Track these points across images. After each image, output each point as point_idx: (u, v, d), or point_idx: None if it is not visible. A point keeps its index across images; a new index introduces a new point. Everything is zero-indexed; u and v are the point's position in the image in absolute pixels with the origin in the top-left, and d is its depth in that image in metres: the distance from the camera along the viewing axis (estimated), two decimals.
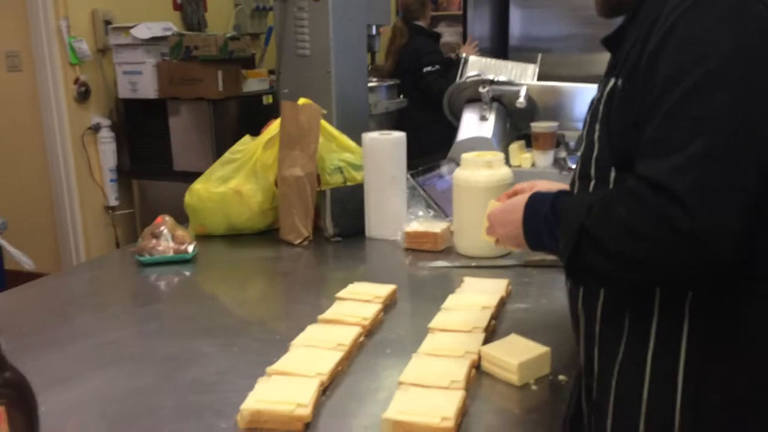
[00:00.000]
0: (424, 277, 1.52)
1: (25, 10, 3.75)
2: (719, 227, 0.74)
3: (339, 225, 1.77)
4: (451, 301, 1.25)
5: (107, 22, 3.95)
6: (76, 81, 3.85)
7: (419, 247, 1.64)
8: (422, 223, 1.70)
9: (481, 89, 2.26)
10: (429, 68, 3.87)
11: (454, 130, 2.32)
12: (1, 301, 1.48)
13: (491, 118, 2.25)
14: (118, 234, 4.20)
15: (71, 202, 3.93)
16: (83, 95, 3.88)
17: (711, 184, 0.74)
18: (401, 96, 3.51)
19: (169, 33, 3.85)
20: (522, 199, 0.98)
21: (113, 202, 4.10)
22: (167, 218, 1.67)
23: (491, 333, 1.15)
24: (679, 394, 0.83)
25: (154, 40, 3.83)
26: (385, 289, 1.31)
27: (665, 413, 0.84)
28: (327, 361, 1.02)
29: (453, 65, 3.45)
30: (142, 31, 3.78)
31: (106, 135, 4.00)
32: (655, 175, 0.76)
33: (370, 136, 1.76)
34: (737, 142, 0.74)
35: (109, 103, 4.09)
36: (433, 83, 3.80)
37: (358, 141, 1.83)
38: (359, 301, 1.25)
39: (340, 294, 1.30)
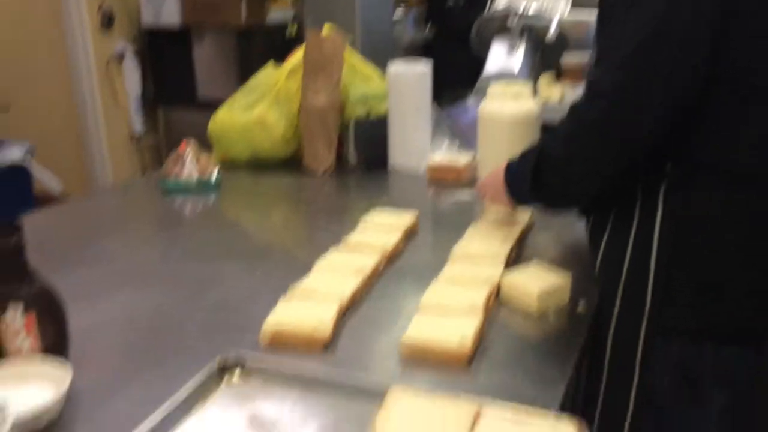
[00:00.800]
0: (446, 208, 1.52)
1: None
2: (629, 119, 0.93)
3: (362, 155, 1.77)
4: (472, 230, 1.25)
5: None
6: (99, 7, 3.81)
7: (443, 179, 1.64)
8: (446, 156, 1.69)
9: (509, 22, 2.19)
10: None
11: (481, 64, 2.27)
12: (30, 221, 1.52)
13: (520, 51, 2.19)
14: (144, 161, 4.24)
15: (97, 127, 3.96)
16: (107, 22, 3.85)
17: (625, 86, 0.92)
18: (428, 25, 3.42)
19: None
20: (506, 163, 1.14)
21: (138, 129, 4.12)
22: (191, 143, 1.68)
23: (512, 262, 1.15)
24: (652, 274, 0.98)
25: None
26: (407, 217, 1.31)
27: (640, 291, 1.00)
28: (348, 285, 1.04)
29: None
30: None
31: (131, 63, 3.99)
32: (590, 82, 1.01)
33: (395, 67, 1.73)
34: (648, 49, 0.90)
35: (133, 29, 4.06)
36: (458, 16, 3.70)
37: (384, 71, 1.80)
38: (381, 229, 1.26)
39: (363, 219, 1.30)
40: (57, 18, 3.83)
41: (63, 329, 0.82)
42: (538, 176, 1.03)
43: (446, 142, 1.80)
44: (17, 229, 0.76)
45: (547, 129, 1.22)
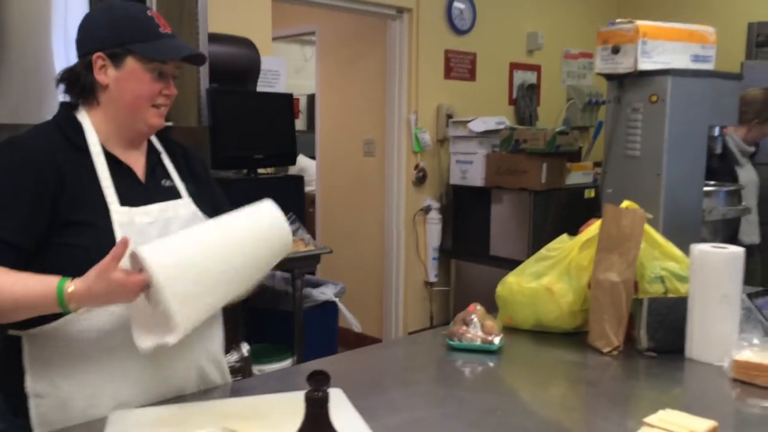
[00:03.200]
0: (754, 417, 1.32)
1: (384, 105, 4.36)
2: None
3: (655, 339, 1.65)
4: None
5: (449, 116, 4.37)
6: (416, 167, 4.30)
7: (750, 380, 1.43)
8: (757, 353, 1.48)
9: None
10: None
11: None
12: (336, 362, 1.70)
13: None
14: (433, 308, 4.49)
15: (398, 274, 4.34)
16: (420, 180, 4.32)
17: None
18: (742, 202, 3.16)
19: (501, 127, 4.10)
20: None
21: (432, 279, 4.41)
22: (478, 307, 1.74)
23: None
24: None
25: (487, 133, 4.11)
26: (703, 424, 1.17)
27: None
28: None
29: None
30: (478, 125, 4.08)
31: (435, 216, 4.36)
32: None
33: (701, 248, 1.62)
34: None
35: (441, 187, 4.47)
36: None
37: (686, 250, 1.70)
38: None
39: (649, 419, 1.19)
40: (381, 173, 4.42)
41: None
42: None
43: (757, 337, 1.59)
44: (328, 379, 0.86)
45: None
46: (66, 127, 1.33)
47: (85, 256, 1.22)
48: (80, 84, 1.33)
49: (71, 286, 1.16)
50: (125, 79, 1.31)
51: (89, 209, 1.27)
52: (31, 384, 1.26)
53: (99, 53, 1.31)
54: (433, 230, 4.35)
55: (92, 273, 1.15)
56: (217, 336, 1.47)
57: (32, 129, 1.34)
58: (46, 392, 1.25)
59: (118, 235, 1.27)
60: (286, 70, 3.67)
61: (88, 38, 1.34)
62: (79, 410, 1.25)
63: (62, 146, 1.30)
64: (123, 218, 1.29)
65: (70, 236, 1.25)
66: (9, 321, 1.19)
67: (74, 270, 1.19)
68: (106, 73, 1.32)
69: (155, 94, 1.34)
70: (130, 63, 1.31)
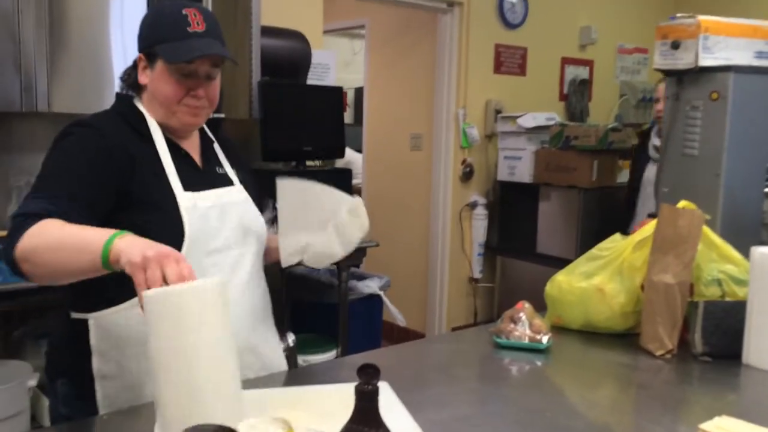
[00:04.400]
0: None
1: (432, 99, 4.34)
2: None
3: (710, 343, 1.60)
4: None
5: (497, 111, 4.33)
6: (464, 162, 4.28)
7: None
8: None
9: None
10: None
11: None
12: (381, 355, 1.71)
13: None
14: (477, 304, 4.46)
15: (443, 269, 4.33)
16: (467, 175, 4.29)
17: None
18: None
19: (552, 123, 4.04)
20: None
21: (477, 275, 4.39)
22: (527, 305, 1.72)
23: None
24: None
25: (537, 129, 4.05)
26: None
27: None
28: None
29: None
30: (528, 121, 4.03)
31: (480, 212, 4.33)
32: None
33: (762, 251, 1.56)
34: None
35: (488, 183, 4.44)
36: None
37: (745, 252, 1.64)
38: None
39: (705, 426, 1.16)
40: (428, 168, 4.41)
41: None
42: None
43: None
44: (378, 373, 0.87)
45: None
46: (129, 115, 1.37)
47: (151, 236, 1.25)
48: (130, 82, 1.40)
49: (123, 237, 1.09)
50: (156, 80, 1.35)
51: (158, 193, 1.31)
52: (98, 366, 1.29)
53: (141, 54, 1.37)
54: (478, 226, 4.32)
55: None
56: (270, 319, 1.52)
57: (95, 115, 1.38)
58: (114, 374, 1.29)
59: (185, 218, 1.30)
60: (336, 63, 3.69)
61: (138, 37, 1.39)
62: (146, 392, 1.27)
63: (128, 132, 1.34)
64: (188, 203, 1.33)
65: (139, 216, 1.27)
66: (45, 269, 1.10)
67: None
68: (145, 74, 1.37)
69: (180, 96, 1.35)
70: (159, 64, 1.35)
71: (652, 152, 3.21)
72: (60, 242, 1.12)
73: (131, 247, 1.04)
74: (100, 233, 1.10)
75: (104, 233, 1.09)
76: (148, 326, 0.97)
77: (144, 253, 1.02)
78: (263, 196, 1.54)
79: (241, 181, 1.50)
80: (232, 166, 1.52)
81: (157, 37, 1.34)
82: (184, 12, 1.34)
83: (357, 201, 1.47)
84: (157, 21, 1.36)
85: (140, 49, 1.37)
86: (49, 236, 1.12)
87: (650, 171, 3.17)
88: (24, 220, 1.15)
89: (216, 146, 1.52)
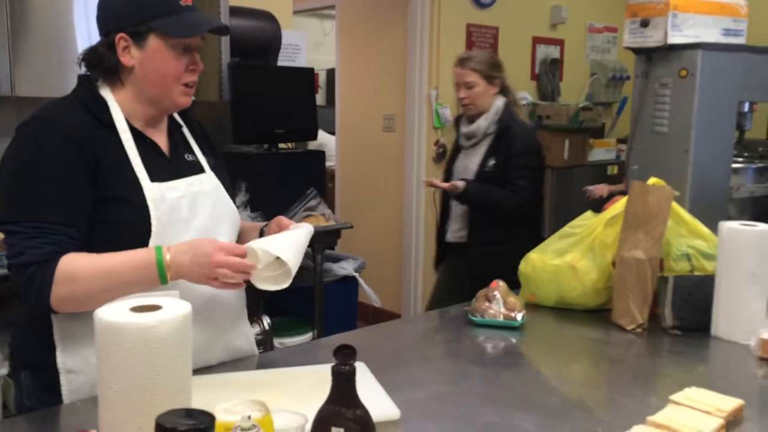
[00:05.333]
0: None
1: (405, 80, 4.32)
2: None
3: (680, 317, 1.63)
4: None
5: None
6: (437, 143, 4.27)
7: None
8: None
9: None
10: None
11: None
12: (357, 336, 1.71)
13: None
14: None
15: (417, 250, 4.34)
16: (440, 156, 4.28)
17: None
18: None
19: (524, 102, 4.05)
20: None
21: None
22: (501, 284, 1.74)
23: None
24: None
25: None
26: (730, 402, 1.16)
27: None
28: None
29: None
30: None
31: None
32: None
33: (729, 226, 1.59)
34: None
35: None
36: None
37: (713, 227, 1.67)
38: (697, 410, 1.13)
39: (675, 397, 1.18)
40: (401, 149, 4.39)
41: None
42: None
43: None
44: (354, 353, 0.87)
45: None
46: (91, 103, 1.29)
47: (121, 232, 1.23)
48: (104, 65, 1.29)
49: (167, 253, 1.20)
50: (149, 59, 1.28)
51: (123, 186, 1.26)
52: (62, 360, 1.26)
53: (121, 34, 1.27)
54: None
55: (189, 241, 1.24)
56: (242, 309, 1.48)
57: (55, 104, 1.29)
58: (79, 368, 1.26)
59: (152, 210, 1.26)
60: (306, 44, 3.64)
61: (109, 17, 1.29)
62: None
63: (90, 122, 1.27)
64: (155, 194, 1.28)
65: (107, 213, 1.24)
66: (92, 306, 0.98)
67: (111, 247, 1.20)
68: (130, 54, 1.28)
69: (181, 72, 1.31)
70: (153, 41, 1.27)
71: (462, 141, 2.84)
72: (104, 285, 1.18)
73: (189, 274, 1.21)
74: (141, 266, 1.19)
75: (147, 265, 1.19)
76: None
77: (201, 273, 1.20)
78: (235, 180, 1.50)
79: (212, 167, 1.44)
80: (202, 151, 1.46)
81: (149, 12, 1.26)
82: None
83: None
84: None
85: (119, 28, 1.26)
86: (84, 282, 1.18)
87: (460, 161, 2.82)
88: (38, 268, 1.17)
89: (185, 131, 1.46)
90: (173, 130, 1.42)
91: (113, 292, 1.13)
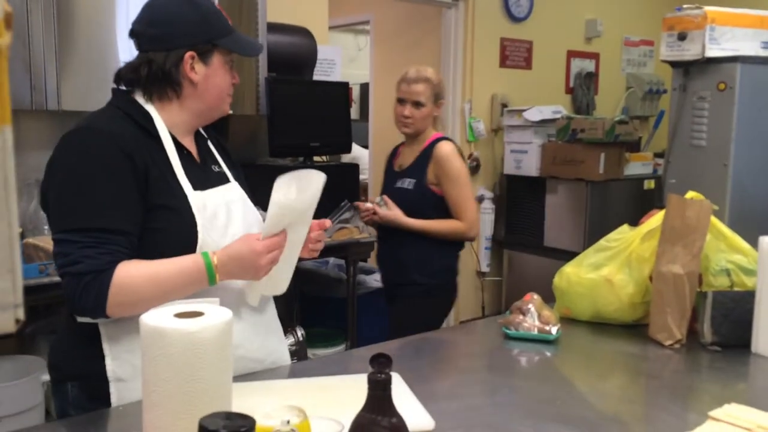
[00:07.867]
0: None
1: None
2: None
3: (719, 333, 1.60)
4: None
5: (503, 105, 4.32)
6: (470, 156, 4.28)
7: None
8: None
9: None
10: None
11: None
12: (391, 347, 1.71)
13: None
14: (484, 298, 4.46)
15: None
16: (474, 169, 4.29)
17: None
18: None
19: (558, 116, 4.03)
20: None
21: (484, 268, 4.39)
22: (535, 297, 1.73)
23: None
24: None
25: (543, 122, 4.05)
26: None
27: None
28: None
29: None
30: (534, 114, 4.03)
31: (488, 206, 4.33)
32: None
33: None
34: None
35: (494, 177, 4.43)
36: None
37: (753, 242, 1.64)
38: (737, 427, 1.11)
39: (714, 413, 1.17)
40: None
41: None
42: None
43: None
44: (390, 362, 0.88)
45: None
46: (136, 114, 1.33)
47: (169, 239, 1.27)
48: (168, 80, 1.32)
49: (214, 257, 1.26)
50: (212, 75, 1.36)
51: (169, 194, 1.30)
52: (112, 369, 1.27)
53: (191, 52, 1.32)
54: (486, 220, 4.32)
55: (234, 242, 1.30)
56: (276, 319, 1.51)
57: (97, 115, 1.32)
58: (129, 376, 1.27)
59: (198, 218, 1.30)
60: (341, 59, 3.69)
61: (178, 34, 1.32)
62: None
63: (136, 132, 1.30)
64: (198, 202, 1.32)
65: (154, 221, 1.27)
66: (145, 311, 1.02)
67: (160, 254, 1.24)
68: (194, 70, 1.34)
69: (230, 86, 1.41)
70: (216, 58, 1.36)
71: None
72: (158, 291, 1.22)
73: (237, 272, 1.29)
74: (192, 272, 1.25)
75: (197, 271, 1.25)
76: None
77: (247, 275, 1.30)
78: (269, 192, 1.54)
79: (236, 178, 1.50)
80: (226, 163, 1.51)
81: (216, 31, 1.35)
82: (218, 7, 1.39)
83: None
84: (211, 17, 1.35)
85: (189, 45, 1.31)
86: (139, 289, 1.22)
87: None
88: (95, 278, 1.19)
89: (209, 143, 1.51)
90: (200, 142, 1.47)
91: (165, 297, 1.17)
